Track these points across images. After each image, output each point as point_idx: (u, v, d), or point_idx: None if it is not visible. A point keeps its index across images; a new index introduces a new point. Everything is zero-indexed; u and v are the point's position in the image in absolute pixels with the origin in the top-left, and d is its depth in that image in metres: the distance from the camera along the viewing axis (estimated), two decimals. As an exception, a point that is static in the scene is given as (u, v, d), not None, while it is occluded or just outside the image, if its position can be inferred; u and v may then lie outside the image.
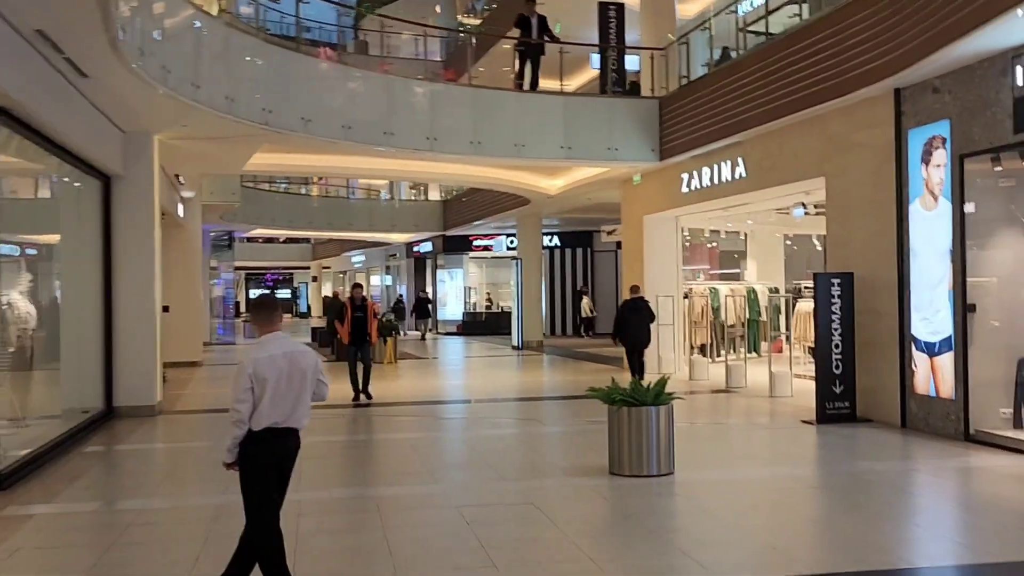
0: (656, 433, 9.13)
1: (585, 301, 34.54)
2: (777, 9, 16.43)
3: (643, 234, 20.09)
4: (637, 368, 16.15)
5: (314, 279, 68.00)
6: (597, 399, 9.63)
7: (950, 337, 10.79)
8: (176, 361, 21.89)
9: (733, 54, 17.30)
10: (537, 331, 30.25)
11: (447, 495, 8.66)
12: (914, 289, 11.47)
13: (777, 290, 22.33)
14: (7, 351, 10.63)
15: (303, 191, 41.50)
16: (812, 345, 17.73)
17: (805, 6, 15.52)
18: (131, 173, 14.30)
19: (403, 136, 16.77)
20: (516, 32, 19.47)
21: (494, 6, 28.13)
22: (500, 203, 28.85)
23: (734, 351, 20.61)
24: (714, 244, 26.06)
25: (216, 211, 27.79)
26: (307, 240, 59.83)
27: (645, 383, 9.55)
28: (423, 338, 35.49)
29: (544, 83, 19.42)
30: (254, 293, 70.77)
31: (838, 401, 12.30)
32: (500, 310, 38.52)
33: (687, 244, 22.37)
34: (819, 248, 22.80)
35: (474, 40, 23.18)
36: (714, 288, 21.38)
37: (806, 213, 17.56)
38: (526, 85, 19.02)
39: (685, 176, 17.97)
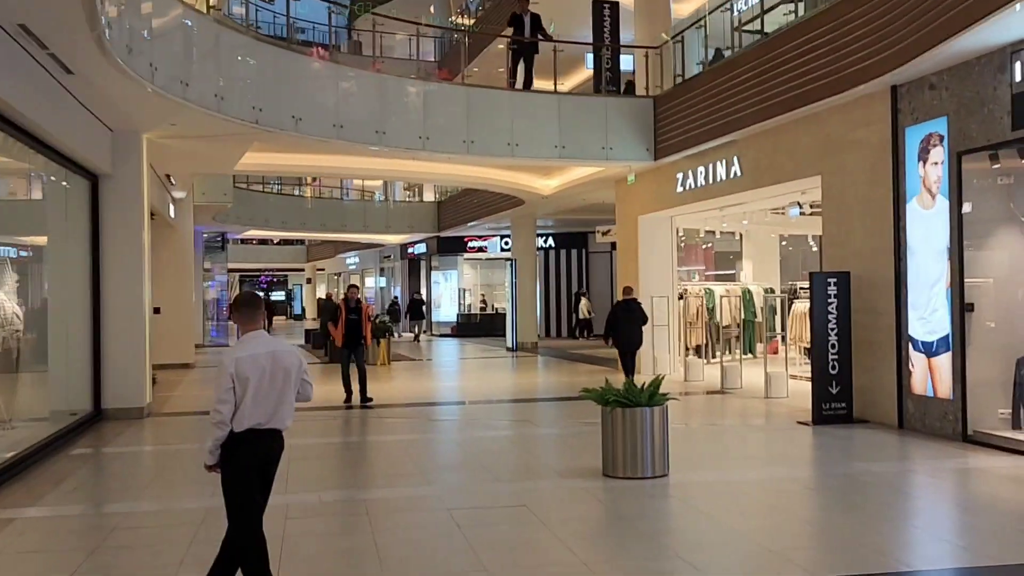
0: (650, 434, 9.00)
1: (584, 303, 34.41)
2: (773, 8, 16.31)
3: (638, 234, 19.96)
4: (628, 370, 16.12)
5: (308, 281, 67.80)
6: (591, 400, 9.49)
7: (948, 337, 10.67)
8: (167, 363, 21.75)
9: (726, 53, 17.17)
10: (532, 333, 30.13)
11: (439, 497, 8.51)
12: (911, 288, 11.35)
13: (772, 290, 22.20)
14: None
15: (297, 192, 41.34)
16: (808, 346, 17.67)
17: (801, 4, 15.39)
18: (119, 172, 14.14)
19: (395, 135, 16.64)
20: (509, 31, 19.35)
21: (488, 4, 27.98)
22: (494, 204, 28.72)
23: (729, 352, 20.52)
24: (709, 245, 25.95)
25: (208, 212, 27.62)
26: (301, 242, 59.66)
27: (639, 384, 9.41)
28: (416, 339, 35.32)
29: (538, 83, 19.33)
30: (248, 295, 70.42)
31: (834, 402, 12.17)
32: (495, 311, 38.36)
33: (682, 244, 22.25)
34: (815, 249, 22.72)
35: (468, 40, 23.03)
36: (709, 289, 21.26)
37: (802, 213, 17.43)
38: (519, 84, 18.91)
39: (680, 176, 17.84)
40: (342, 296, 16.60)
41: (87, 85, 11.25)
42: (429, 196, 40.65)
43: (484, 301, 40.25)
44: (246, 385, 5.22)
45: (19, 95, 9.52)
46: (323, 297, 38.73)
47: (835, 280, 12.30)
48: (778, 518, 7.63)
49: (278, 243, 60.03)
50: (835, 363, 12.20)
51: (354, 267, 55.38)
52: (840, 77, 12.21)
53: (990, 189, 10.67)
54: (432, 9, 34.36)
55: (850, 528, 7.15)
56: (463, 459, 10.95)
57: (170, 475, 10.18)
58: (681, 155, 17.41)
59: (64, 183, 13.04)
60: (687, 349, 20.14)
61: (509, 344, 29.54)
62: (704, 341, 20.89)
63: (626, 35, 20.64)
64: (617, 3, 20.23)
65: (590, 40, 20.66)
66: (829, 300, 12.24)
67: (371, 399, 15.00)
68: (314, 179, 40.95)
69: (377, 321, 22.96)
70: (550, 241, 36.18)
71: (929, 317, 10.97)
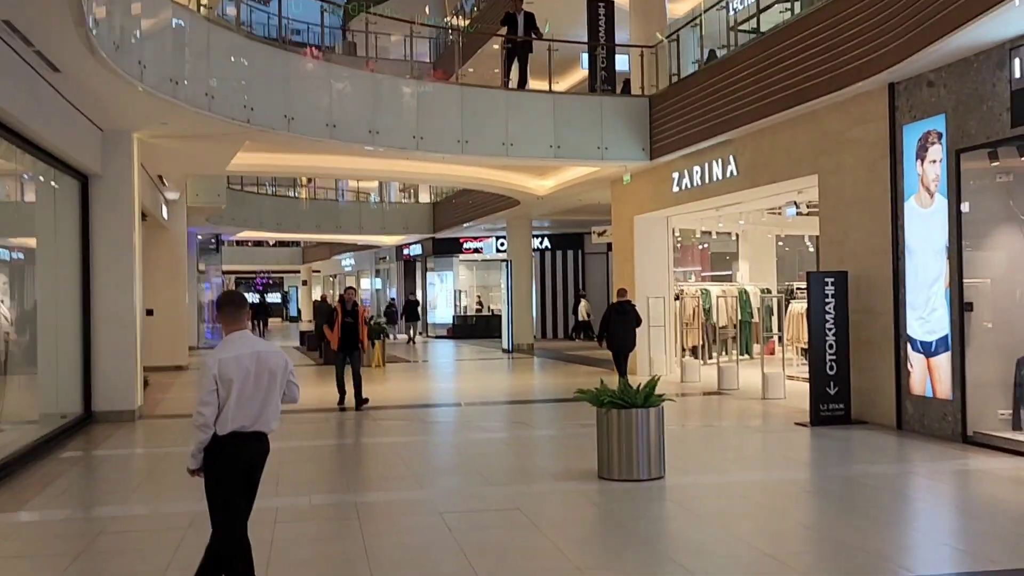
0: (646, 436, 8.87)
1: (583, 304, 34.27)
2: (768, 7, 16.20)
3: (634, 235, 19.84)
4: (622, 369, 15.98)
5: (304, 283, 67.64)
6: (586, 402, 9.35)
7: (947, 336, 10.55)
8: (160, 365, 21.62)
9: (720, 53, 17.04)
10: (528, 334, 30.00)
11: (431, 501, 8.37)
12: (909, 288, 11.23)
13: (769, 291, 22.10)
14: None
15: (291, 194, 41.20)
16: (805, 346, 17.57)
17: (797, 2, 15.26)
18: (110, 173, 14.01)
19: (389, 135, 16.51)
20: (503, 31, 19.24)
21: (483, 4, 27.86)
22: (490, 205, 28.59)
23: (726, 353, 20.39)
24: (705, 245, 25.83)
25: (202, 213, 27.48)
26: (297, 244, 59.50)
27: (634, 385, 9.27)
28: (410, 341, 35.17)
29: (534, 83, 19.21)
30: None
31: (832, 403, 12.05)
32: (491, 313, 38.23)
33: (678, 245, 22.15)
34: (811, 249, 22.62)
35: (462, 41, 22.91)
36: (706, 289, 21.14)
37: (798, 213, 17.32)
38: (514, 84, 18.79)
39: (676, 175, 17.72)
40: (338, 298, 16.42)
41: (75, 83, 11.12)
42: (425, 197, 40.52)
43: (480, 302, 40.12)
44: (229, 387, 5.08)
45: (4, 93, 9.39)
46: (318, 299, 38.51)
47: (833, 280, 12.17)
48: (776, 522, 7.51)
49: (274, 245, 59.88)
50: (833, 364, 12.08)
51: (350, 269, 55.24)
52: (837, 75, 12.10)
53: (989, 187, 10.54)
54: (427, 10, 34.28)
55: (849, 532, 7.01)
56: (456, 462, 10.81)
57: (159, 478, 10.03)
58: (677, 155, 17.29)
59: (53, 183, 12.89)
60: (683, 350, 20.04)
61: (505, 346, 29.41)
62: (701, 342, 20.77)
63: (621, 35, 20.54)
64: (612, 2, 20.11)
65: (585, 40, 20.54)
66: (827, 300, 12.11)
67: (367, 399, 14.83)
68: (309, 180, 40.81)
69: (371, 323, 22.81)
70: (546, 242, 36.06)
71: (928, 317, 10.84)
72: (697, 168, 16.87)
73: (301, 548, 6.82)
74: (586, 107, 18.30)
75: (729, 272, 25.54)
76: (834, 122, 12.76)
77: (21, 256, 12.80)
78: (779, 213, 20.17)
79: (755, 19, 16.48)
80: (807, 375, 12.72)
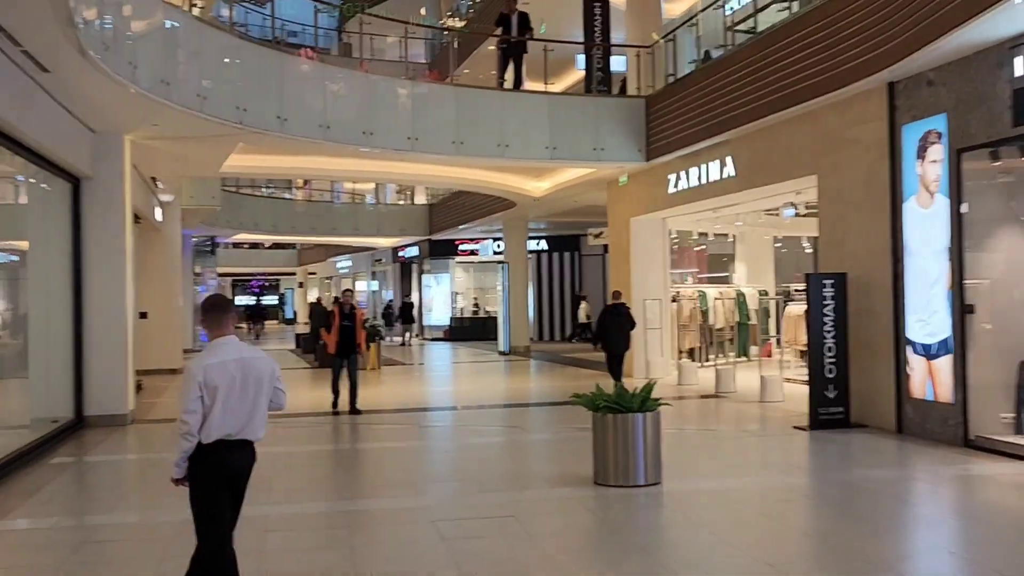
0: (643, 441, 8.72)
1: (584, 306, 34.13)
2: (766, 7, 16.07)
3: (630, 236, 19.71)
4: (617, 372, 16.11)
5: (300, 285, 67.46)
6: (581, 406, 9.20)
7: (948, 339, 10.41)
8: (154, 368, 21.46)
9: (715, 53, 16.90)
10: (524, 336, 29.85)
11: (424, 509, 8.21)
12: (910, 290, 11.09)
13: (766, 293, 21.99)
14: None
15: (287, 196, 41.02)
16: (802, 349, 17.43)
17: (795, 2, 15.12)
18: (101, 175, 13.85)
19: (383, 136, 16.37)
20: (498, 31, 19.12)
21: (478, 4, 27.73)
22: (486, 206, 28.44)
23: (723, 355, 20.26)
24: (702, 247, 25.70)
25: (197, 216, 27.31)
26: (293, 246, 59.29)
27: (630, 388, 9.13)
28: (403, 343, 35.01)
29: (530, 85, 19.09)
30: (241, 300, 70.30)
31: (831, 406, 11.90)
32: (487, 315, 38.08)
33: (675, 247, 22.02)
34: (808, 251, 22.51)
35: (457, 42, 22.78)
36: (703, 291, 21.02)
37: (796, 214, 17.19)
38: (509, 85, 18.67)
39: (672, 177, 17.59)
40: (333, 299, 16.26)
41: (65, 84, 10.98)
42: (421, 199, 40.37)
43: (476, 304, 39.97)
44: (215, 394, 4.93)
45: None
46: (314, 302, 38.39)
47: (832, 281, 12.03)
48: (775, 529, 7.36)
49: (269, 247, 59.65)
50: (832, 366, 11.94)
51: (346, 271, 55.07)
52: (835, 74, 11.96)
53: (990, 187, 10.40)
54: (423, 11, 34.14)
55: (850, 539, 6.87)
56: (451, 467, 10.66)
57: (148, 485, 9.87)
58: (673, 155, 17.16)
59: (44, 186, 12.75)
60: (680, 352, 19.90)
61: (501, 348, 29.27)
62: (698, 344, 20.66)
63: (617, 35, 20.41)
64: (608, 2, 19.98)
65: (581, 40, 20.40)
66: (825, 302, 11.97)
67: (360, 412, 14.62)
68: (305, 182, 40.66)
69: (367, 326, 22.66)
70: (542, 244, 35.91)
71: (928, 319, 10.71)
72: (694, 169, 16.73)
73: (289, 558, 6.67)
74: (582, 108, 18.17)
75: (726, 274, 25.41)
76: (833, 122, 12.62)
77: (12, 259, 12.67)
78: (777, 214, 20.04)
79: (752, 19, 16.35)
80: (805, 378, 12.58)
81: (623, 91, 19.92)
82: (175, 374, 22.33)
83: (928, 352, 10.73)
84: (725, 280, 24.59)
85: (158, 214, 22.18)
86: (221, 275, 53.00)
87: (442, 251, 38.65)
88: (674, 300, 19.99)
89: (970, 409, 10.17)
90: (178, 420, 4.95)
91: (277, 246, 59.15)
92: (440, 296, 40.11)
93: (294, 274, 66.71)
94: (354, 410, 14.55)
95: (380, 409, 15.24)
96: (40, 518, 8.24)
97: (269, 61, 15.19)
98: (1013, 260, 10.30)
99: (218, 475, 5.00)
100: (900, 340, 11.30)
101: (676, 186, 17.51)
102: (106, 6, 10.17)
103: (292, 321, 65.38)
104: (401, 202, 42.75)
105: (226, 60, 14.11)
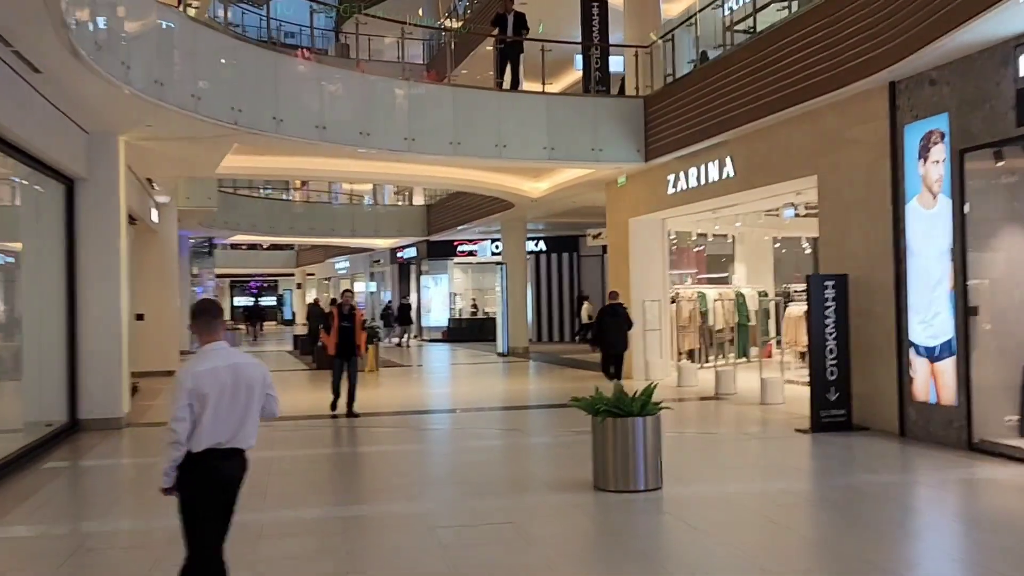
0: (643, 445, 8.60)
1: (586, 306, 34.02)
2: (765, 7, 15.95)
3: (629, 237, 19.59)
4: (615, 372, 16.20)
5: (298, 286, 67.35)
6: (580, 409, 9.08)
7: (951, 341, 10.29)
8: (151, 370, 21.32)
9: (713, 54, 16.78)
10: (523, 337, 29.74)
11: (423, 514, 8.08)
12: (912, 291, 10.97)
13: (766, 294, 21.88)
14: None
15: (285, 197, 40.90)
16: (803, 350, 17.33)
17: (794, 1, 15.01)
18: (96, 176, 13.73)
19: (380, 137, 16.24)
20: (495, 32, 19.02)
21: (476, 4, 27.61)
22: (484, 207, 28.33)
23: (723, 356, 20.15)
24: (701, 247, 25.59)
25: (194, 217, 27.19)
26: (291, 247, 59.19)
27: (630, 391, 9.00)
28: (400, 345, 34.87)
29: (528, 86, 18.98)
30: (239, 301, 70.17)
31: (833, 409, 11.78)
32: (485, 316, 37.96)
33: (674, 247, 21.90)
34: (808, 251, 22.41)
35: (454, 43, 22.66)
36: (702, 292, 20.91)
37: (796, 214, 17.07)
38: (507, 85, 18.56)
39: (671, 177, 17.47)
40: (331, 301, 16.12)
41: (57, 85, 10.86)
42: (419, 200, 40.27)
43: (475, 305, 39.86)
44: (205, 402, 4.80)
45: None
46: (311, 303, 38.26)
47: (833, 283, 11.91)
48: (778, 535, 7.24)
49: (268, 248, 59.57)
50: (833, 369, 11.82)
51: (344, 272, 54.95)
52: (836, 73, 11.84)
53: (994, 188, 10.28)
54: (421, 12, 34.02)
55: (854, 546, 6.74)
56: (449, 472, 10.53)
57: (142, 491, 9.69)
58: (672, 156, 17.04)
59: (37, 187, 12.62)
60: (680, 354, 19.78)
61: (500, 349, 29.16)
62: (697, 345, 20.55)
63: (615, 35, 20.29)
64: (606, 2, 19.86)
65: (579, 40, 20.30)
66: (827, 304, 11.85)
67: (357, 415, 14.48)
68: (303, 183, 40.53)
69: (366, 327, 22.54)
70: (541, 244, 35.77)
71: (931, 321, 10.59)
72: (693, 170, 16.62)
73: (283, 566, 6.55)
74: (580, 108, 18.05)
75: (725, 275, 25.31)
76: (833, 122, 12.51)
77: (5, 261, 12.54)
78: (776, 215, 19.94)
79: (751, 19, 16.24)
80: (806, 379, 12.46)
81: (622, 91, 19.80)
82: (172, 376, 22.16)
83: (931, 354, 10.61)
84: (724, 281, 24.49)
85: (154, 215, 22.06)
86: (219, 276, 52.94)
87: (440, 252, 38.52)
88: (673, 301, 19.87)
89: (974, 412, 10.05)
90: (167, 429, 4.82)
91: (275, 247, 59.07)
92: (438, 297, 39.98)
93: (292, 275, 66.62)
94: (351, 413, 14.42)
95: (378, 412, 15.11)
96: (31, 524, 8.10)
97: (265, 61, 15.05)
98: (1017, 261, 10.18)
99: (208, 485, 4.88)
100: (902, 342, 11.18)
101: (675, 187, 17.39)
102: (99, 6, 10.05)
103: (291, 322, 65.27)
104: (399, 203, 42.64)
105: (221, 60, 13.98)
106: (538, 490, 9.13)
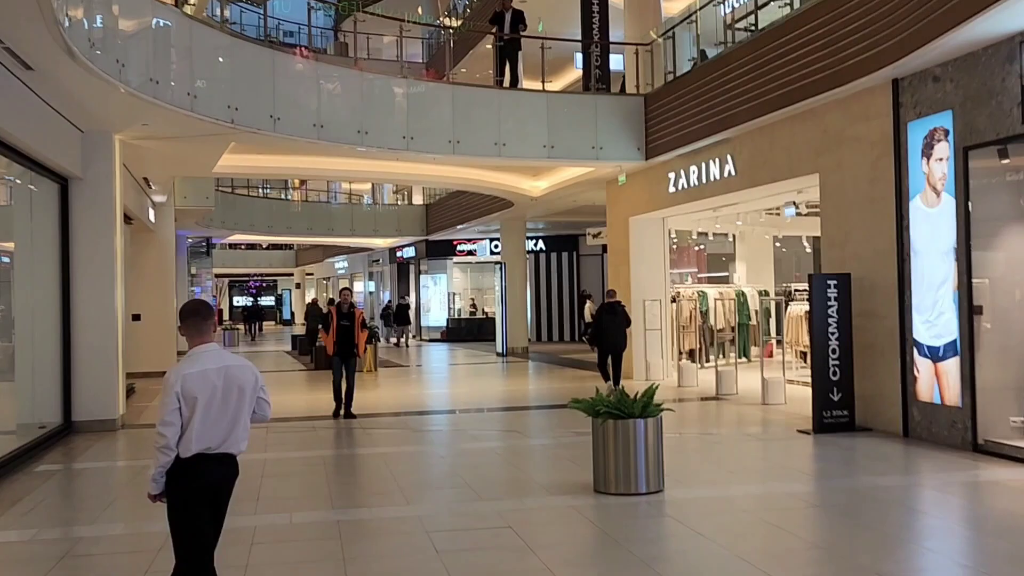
0: (644, 448, 8.47)
1: (588, 305, 33.89)
2: (766, 4, 15.79)
3: (629, 236, 19.46)
4: (614, 374, 16.27)
5: (297, 286, 67.21)
6: (580, 411, 8.93)
7: (955, 341, 10.15)
8: (148, 371, 21.19)
9: (711, 53, 16.63)
10: (522, 337, 29.64)
11: (419, 518, 7.93)
12: (915, 290, 10.84)
13: (767, 293, 21.75)
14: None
15: (283, 196, 40.75)
16: (804, 350, 17.21)
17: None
18: (91, 175, 13.59)
19: (378, 135, 16.11)
20: (493, 30, 18.90)
21: (475, 3, 27.48)
22: (483, 206, 28.23)
23: (723, 356, 20.01)
24: (702, 247, 25.47)
25: (191, 216, 27.05)
26: (290, 246, 59.08)
27: (631, 392, 8.86)
28: (397, 344, 34.73)
29: (528, 85, 18.85)
30: (238, 300, 70.06)
31: (836, 409, 11.65)
32: (484, 316, 37.83)
33: (674, 246, 21.78)
34: (808, 250, 22.29)
35: (452, 41, 22.52)
36: (702, 291, 20.77)
37: (798, 213, 16.94)
38: (507, 83, 18.43)
39: (672, 175, 17.33)
40: (328, 301, 15.97)
41: (51, 83, 10.72)
42: (418, 199, 40.14)
43: (474, 305, 39.73)
44: (194, 405, 4.67)
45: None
46: (310, 302, 38.12)
47: (835, 282, 11.78)
48: (782, 540, 7.09)
49: (267, 248, 59.46)
50: (836, 369, 11.68)
51: (343, 271, 54.81)
52: (838, 70, 11.71)
53: (999, 186, 10.14)
54: (420, 10, 33.87)
55: (860, 550, 6.61)
56: (447, 474, 10.38)
57: (134, 494, 9.53)
58: (673, 154, 16.91)
59: (31, 186, 12.50)
60: (680, 354, 19.65)
61: (499, 349, 29.04)
62: (698, 345, 20.42)
63: (615, 33, 20.15)
64: (606, 0, 19.72)
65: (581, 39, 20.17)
66: (829, 303, 11.72)
67: (355, 416, 14.33)
68: (301, 183, 40.40)
69: (365, 326, 22.38)
70: (540, 244, 35.64)
71: (935, 320, 10.45)
72: (694, 168, 16.48)
73: (276, 573, 6.41)
74: (580, 106, 17.92)
75: (726, 274, 25.20)
76: (835, 119, 12.37)
77: (1, 261, 12.42)
78: (777, 214, 19.81)
79: (752, 16, 16.09)
80: (807, 379, 12.33)
81: (622, 90, 19.66)
82: (169, 377, 22.05)
83: (935, 354, 10.48)
84: (724, 280, 24.38)
85: (151, 215, 21.91)
86: (218, 276, 52.80)
87: (439, 251, 38.40)
88: (674, 300, 19.74)
89: (979, 412, 9.92)
90: (155, 433, 4.69)
91: (274, 247, 58.99)
92: (437, 297, 39.84)
93: (291, 275, 66.50)
94: (348, 414, 14.28)
95: (375, 413, 14.98)
96: (21, 529, 7.95)
97: (262, 59, 14.92)
98: (1022, 260, 10.03)
99: (197, 491, 4.75)
100: (906, 342, 11.05)
101: (676, 185, 17.25)
102: (93, 3, 9.92)
103: (290, 322, 65.13)
104: (398, 202, 42.52)
105: (218, 58, 13.86)
106: (537, 493, 8.99)
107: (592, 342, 16.97)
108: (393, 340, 35.72)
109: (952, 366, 10.21)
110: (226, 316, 62.59)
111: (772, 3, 15.62)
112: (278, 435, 12.51)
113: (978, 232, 10.02)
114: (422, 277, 40.17)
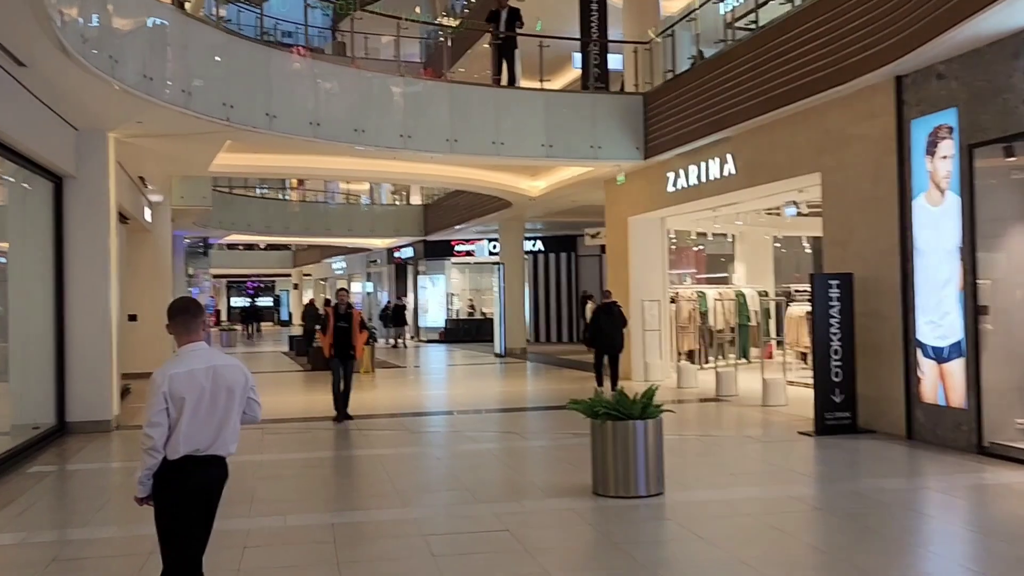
0: (644, 450, 8.33)
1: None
2: (767, 2, 15.65)
3: (628, 236, 19.32)
4: (612, 375, 16.16)
5: (295, 287, 67.04)
6: (579, 412, 8.79)
7: (960, 342, 10.02)
8: (145, 372, 20.95)
9: (708, 53, 16.49)
10: (520, 338, 29.51)
11: (415, 521, 7.80)
12: (919, 290, 10.70)
13: (766, 293, 21.63)
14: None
15: (281, 196, 40.61)
16: (804, 351, 17.09)
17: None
18: (85, 173, 13.45)
19: (375, 134, 15.98)
20: (490, 28, 18.79)
21: (473, 2, 27.36)
22: (481, 206, 28.11)
23: (723, 357, 19.89)
24: (701, 247, 25.35)
25: (188, 216, 26.89)
26: (288, 247, 58.93)
27: (631, 394, 8.73)
28: (395, 346, 34.58)
29: (526, 83, 18.72)
30: (236, 301, 69.92)
31: (838, 411, 11.50)
32: (483, 316, 37.69)
33: (673, 247, 21.65)
34: (808, 251, 22.18)
35: (449, 41, 22.41)
36: (702, 292, 20.65)
37: (798, 213, 16.81)
38: (504, 82, 18.30)
39: (671, 175, 17.20)
40: (325, 301, 15.80)
41: (43, 79, 10.59)
42: (416, 199, 39.99)
43: (472, 306, 39.59)
44: (181, 406, 4.53)
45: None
46: (307, 303, 37.97)
47: (837, 282, 11.64)
48: (785, 544, 6.95)
49: (264, 248, 59.31)
50: (838, 370, 11.54)
51: (341, 272, 54.66)
52: (840, 68, 11.58)
53: (1004, 184, 10.00)
54: (418, 10, 33.74)
55: (864, 555, 6.46)
56: (444, 476, 10.25)
57: (128, 496, 9.30)
58: (672, 153, 16.78)
59: (25, 185, 12.35)
60: (680, 355, 19.52)
61: (497, 350, 28.90)
62: (697, 346, 20.29)
63: (614, 32, 20.04)
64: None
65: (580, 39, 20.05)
66: (831, 303, 11.58)
67: (351, 417, 14.15)
68: (299, 183, 40.25)
69: (364, 327, 22.22)
70: (539, 244, 35.50)
71: (940, 321, 10.31)
72: (693, 167, 16.34)
73: (270, 577, 6.28)
74: (579, 105, 17.79)
75: (725, 274, 25.08)
76: (837, 118, 12.24)
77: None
78: (778, 214, 19.69)
79: (753, 15, 15.94)
80: (808, 381, 12.19)
81: (621, 90, 19.54)
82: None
83: (939, 355, 10.34)
84: (724, 280, 24.26)
85: (147, 215, 21.76)
86: (216, 277, 52.65)
87: (438, 252, 38.26)
88: (673, 301, 19.61)
89: (984, 414, 9.79)
90: (141, 435, 4.55)
91: (272, 247, 58.85)
92: (436, 297, 39.70)
93: (289, 275, 66.34)
94: (345, 415, 14.13)
95: (372, 414, 14.84)
96: (12, 531, 7.79)
97: (257, 57, 14.79)
98: (1028, 259, 9.91)
99: (186, 494, 4.60)
100: (909, 343, 10.91)
101: (675, 184, 17.12)
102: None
103: (287, 323, 64.96)
104: (396, 203, 42.38)
105: (213, 56, 13.71)
106: (535, 496, 8.85)
107: (589, 344, 16.85)
108: (391, 342, 35.56)
109: (957, 367, 10.07)
110: (224, 317, 62.49)
111: (772, 1, 15.49)
112: (273, 436, 12.37)
113: (983, 231, 9.89)
114: (420, 278, 40.03)
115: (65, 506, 9.30)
